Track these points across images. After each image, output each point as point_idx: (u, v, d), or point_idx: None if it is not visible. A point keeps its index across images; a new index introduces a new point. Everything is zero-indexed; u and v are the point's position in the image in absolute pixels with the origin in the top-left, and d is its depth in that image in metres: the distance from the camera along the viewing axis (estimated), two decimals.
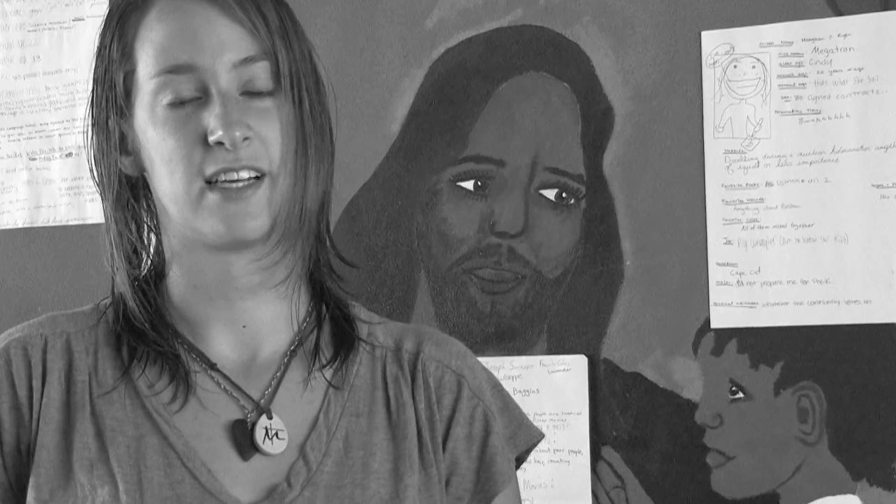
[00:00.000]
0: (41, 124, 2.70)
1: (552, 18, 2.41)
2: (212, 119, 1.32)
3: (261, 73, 1.35)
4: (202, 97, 1.34)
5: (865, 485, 2.21)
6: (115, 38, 1.38)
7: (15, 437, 1.36)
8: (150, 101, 1.35)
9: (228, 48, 1.34)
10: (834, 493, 2.23)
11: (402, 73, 2.48)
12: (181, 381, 1.37)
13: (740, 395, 2.28)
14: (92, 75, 1.41)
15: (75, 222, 2.67)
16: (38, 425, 1.36)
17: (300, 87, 1.36)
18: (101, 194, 1.41)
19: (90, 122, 1.41)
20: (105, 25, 1.40)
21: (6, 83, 2.72)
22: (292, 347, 1.42)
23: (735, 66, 2.32)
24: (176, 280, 1.41)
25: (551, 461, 2.36)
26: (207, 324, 1.40)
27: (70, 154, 2.68)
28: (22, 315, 2.46)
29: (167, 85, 1.34)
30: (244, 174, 1.33)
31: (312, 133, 1.37)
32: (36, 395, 1.36)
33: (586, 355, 2.36)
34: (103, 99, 1.39)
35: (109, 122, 1.39)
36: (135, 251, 1.41)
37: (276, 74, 1.35)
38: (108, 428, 1.35)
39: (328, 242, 1.43)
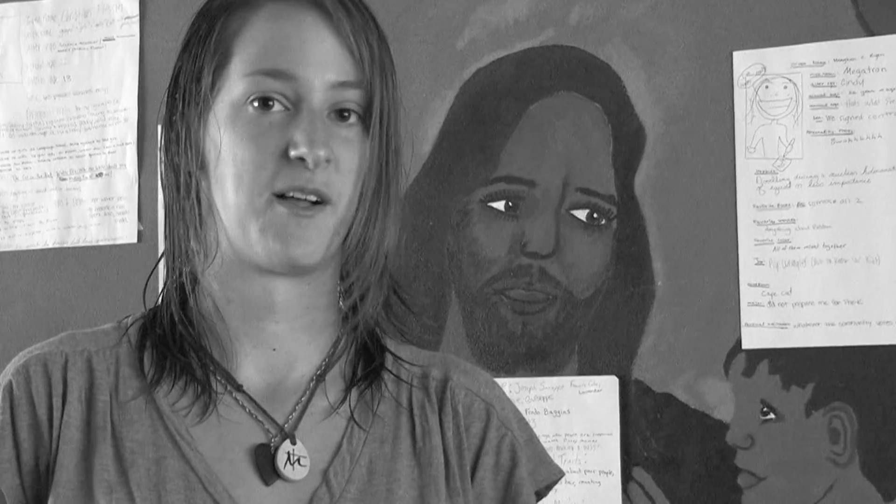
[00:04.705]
0: (71, 144, 2.70)
1: (583, 39, 2.41)
2: (298, 133, 1.30)
3: (352, 100, 1.33)
4: (290, 109, 1.32)
5: None
6: (215, 30, 1.35)
7: (34, 457, 1.34)
8: (236, 100, 1.32)
9: (331, 67, 1.32)
10: None
11: (433, 94, 2.48)
12: (205, 401, 1.35)
13: (771, 416, 2.27)
14: (175, 65, 1.37)
15: (105, 242, 2.66)
16: (57, 444, 1.34)
17: (389, 125, 1.35)
18: (164, 191, 1.38)
19: (164, 116, 1.37)
20: (203, 17, 1.37)
21: (36, 103, 2.73)
22: (319, 373, 1.40)
23: (767, 87, 2.31)
24: (211, 291, 1.38)
25: (582, 482, 2.35)
26: (236, 343, 1.38)
27: (100, 174, 2.68)
28: (52, 336, 2.46)
29: (259, 86, 1.31)
30: (311, 197, 1.31)
31: (395, 174, 1.36)
32: (56, 414, 1.34)
33: (617, 376, 2.35)
34: (185, 91, 1.35)
35: (174, 118, 1.36)
36: (187, 253, 1.37)
37: (366, 106, 1.34)
38: (129, 450, 1.33)
39: (394, 287, 1.42)
